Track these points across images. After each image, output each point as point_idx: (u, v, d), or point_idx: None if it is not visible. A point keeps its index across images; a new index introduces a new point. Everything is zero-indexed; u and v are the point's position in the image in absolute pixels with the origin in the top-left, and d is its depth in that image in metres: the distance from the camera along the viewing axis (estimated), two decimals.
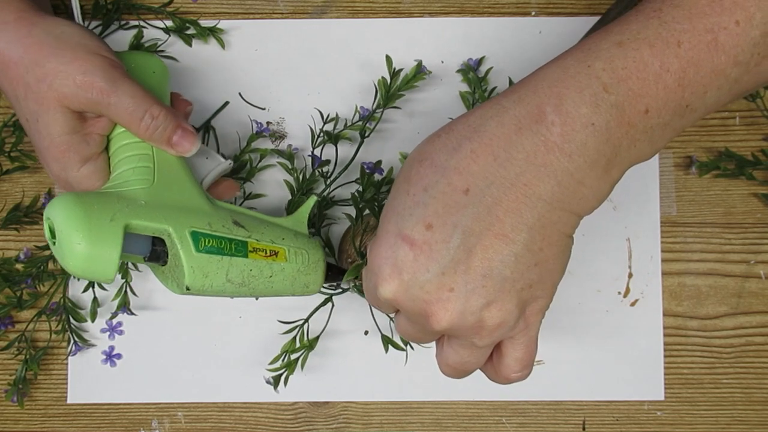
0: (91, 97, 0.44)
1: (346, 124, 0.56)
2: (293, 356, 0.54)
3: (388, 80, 0.55)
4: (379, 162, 0.56)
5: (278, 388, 0.54)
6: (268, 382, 0.55)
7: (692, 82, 0.37)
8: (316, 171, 0.56)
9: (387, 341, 0.55)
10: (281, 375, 0.54)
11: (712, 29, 0.37)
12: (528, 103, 0.37)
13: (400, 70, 0.55)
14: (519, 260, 0.37)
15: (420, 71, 0.55)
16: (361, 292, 0.54)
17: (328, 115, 0.57)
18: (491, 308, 0.38)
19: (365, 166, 0.55)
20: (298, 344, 0.54)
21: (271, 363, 0.55)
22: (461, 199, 0.37)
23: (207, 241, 0.44)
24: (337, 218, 0.57)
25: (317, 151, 0.56)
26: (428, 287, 0.38)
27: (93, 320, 0.57)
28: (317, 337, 0.55)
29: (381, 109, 0.56)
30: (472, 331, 0.39)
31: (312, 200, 0.51)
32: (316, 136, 0.56)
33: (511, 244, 0.37)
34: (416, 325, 0.41)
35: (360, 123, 0.55)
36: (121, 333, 0.58)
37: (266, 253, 0.46)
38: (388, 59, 0.55)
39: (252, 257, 0.46)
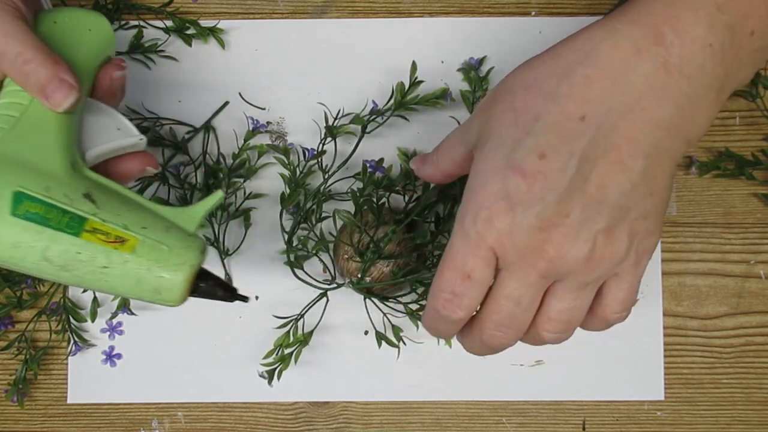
0: None
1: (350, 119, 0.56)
2: (287, 351, 0.54)
3: (407, 86, 0.55)
4: (381, 160, 0.56)
5: (273, 384, 0.54)
6: (261, 376, 0.54)
7: None
8: (316, 165, 0.56)
9: (380, 337, 0.55)
10: (275, 369, 0.54)
11: None
12: (644, 24, 0.36)
13: (421, 82, 0.55)
14: (635, 188, 0.36)
15: (446, 95, 0.56)
16: (353, 284, 0.54)
17: (339, 111, 0.57)
18: (605, 236, 0.37)
19: (368, 165, 0.55)
20: (291, 339, 0.54)
21: (264, 357, 0.55)
22: (577, 127, 0.36)
23: (31, 206, 0.38)
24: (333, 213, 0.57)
25: (326, 148, 0.56)
26: (544, 215, 0.36)
27: (93, 320, 0.57)
28: (311, 332, 0.55)
29: (389, 113, 0.56)
30: (582, 263, 0.37)
31: (216, 195, 0.44)
32: (322, 133, 0.56)
33: (628, 172, 0.36)
34: (519, 272, 0.38)
35: (365, 117, 0.55)
36: (121, 333, 0.58)
37: (108, 237, 0.39)
38: (413, 65, 0.55)
39: (85, 238, 0.39)
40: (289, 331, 0.55)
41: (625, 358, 0.57)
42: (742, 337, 0.57)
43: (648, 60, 0.36)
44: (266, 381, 0.54)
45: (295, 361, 0.55)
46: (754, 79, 0.57)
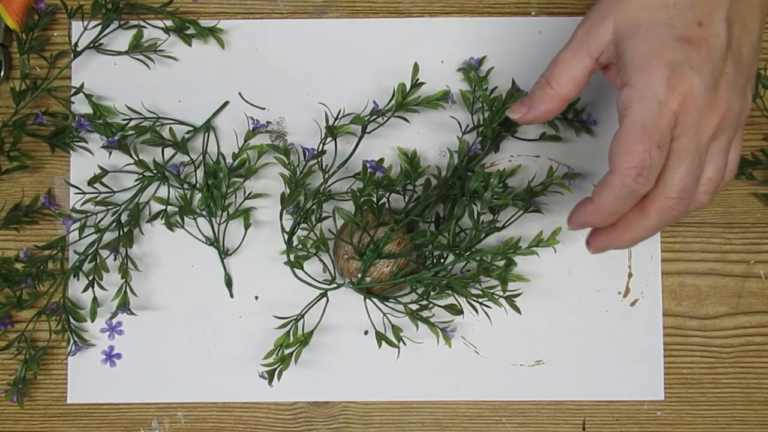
0: None
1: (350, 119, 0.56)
2: (287, 351, 0.54)
3: (408, 87, 0.55)
4: (381, 160, 0.56)
5: (274, 384, 0.54)
6: (262, 376, 0.54)
7: None
8: (316, 164, 0.56)
9: (380, 337, 0.55)
10: (275, 370, 0.54)
11: None
12: None
13: (422, 83, 0.55)
14: (755, 47, 0.44)
15: (447, 97, 0.56)
16: (353, 284, 0.54)
17: (339, 111, 0.57)
18: (744, 91, 0.43)
19: (368, 165, 0.54)
20: (291, 339, 0.54)
21: (265, 357, 0.55)
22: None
23: None
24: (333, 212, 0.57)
25: (326, 148, 0.56)
26: (713, 74, 0.41)
27: (93, 320, 0.57)
28: (311, 332, 0.55)
29: (390, 114, 0.56)
30: (736, 117, 0.43)
31: None
32: (322, 133, 0.56)
33: (751, 34, 0.43)
34: (697, 133, 0.42)
35: (365, 117, 0.55)
36: (121, 333, 0.58)
37: None
38: (416, 67, 0.55)
39: None
40: (289, 332, 0.55)
41: (625, 358, 0.57)
42: (742, 337, 0.57)
43: None
44: (266, 381, 0.54)
45: (295, 362, 0.55)
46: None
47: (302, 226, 0.55)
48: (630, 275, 0.57)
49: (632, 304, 0.57)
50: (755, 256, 0.57)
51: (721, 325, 0.57)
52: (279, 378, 0.54)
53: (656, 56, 0.42)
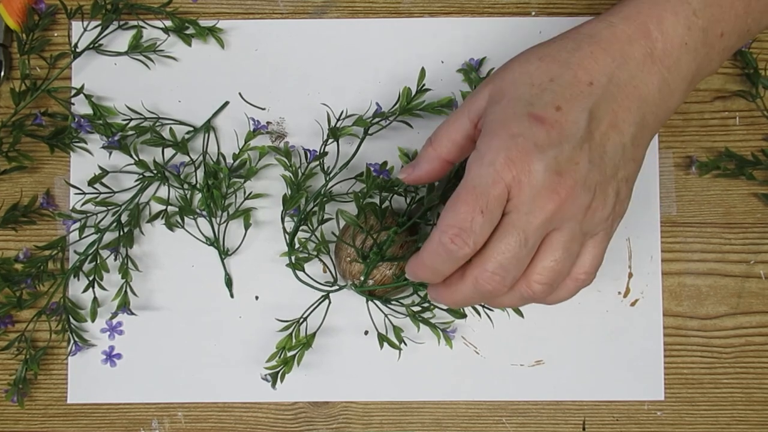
0: None
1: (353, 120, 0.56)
2: (290, 353, 0.54)
3: (413, 91, 0.55)
4: (385, 163, 0.56)
5: (276, 386, 0.54)
6: (265, 378, 0.54)
7: (754, 10, 0.45)
8: (318, 166, 0.56)
9: (383, 338, 0.55)
10: (278, 372, 0.54)
11: None
12: (634, 21, 0.43)
13: (427, 90, 0.55)
14: (625, 151, 0.42)
15: (452, 105, 0.56)
16: (356, 287, 0.54)
17: (342, 112, 0.56)
18: (601, 189, 0.42)
19: (372, 169, 0.54)
20: (294, 341, 0.54)
21: (268, 360, 0.55)
22: (586, 89, 0.42)
23: None
24: (335, 214, 0.57)
25: (328, 149, 0.56)
26: (560, 159, 0.40)
27: (93, 320, 0.57)
28: (313, 334, 0.55)
29: (393, 118, 0.56)
30: (582, 212, 0.41)
31: None
32: (324, 133, 0.56)
33: (621, 135, 0.42)
34: (529, 214, 0.40)
35: (368, 119, 0.55)
36: (121, 333, 0.58)
37: None
38: (422, 72, 0.55)
39: None
40: (291, 334, 0.55)
41: (625, 358, 0.57)
42: (742, 337, 0.57)
43: (638, 48, 0.43)
44: (269, 383, 0.54)
45: (298, 364, 0.55)
46: (754, 80, 0.57)
47: (302, 227, 0.55)
48: (630, 275, 0.57)
49: (632, 304, 0.57)
50: (755, 256, 0.57)
51: (721, 325, 0.57)
52: (281, 380, 0.54)
53: (504, 125, 0.41)
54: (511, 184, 0.40)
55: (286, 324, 0.55)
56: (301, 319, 0.55)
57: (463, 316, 0.55)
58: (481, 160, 0.41)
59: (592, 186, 0.41)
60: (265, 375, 0.54)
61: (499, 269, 0.41)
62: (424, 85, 0.55)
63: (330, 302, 0.55)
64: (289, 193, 0.55)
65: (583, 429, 0.57)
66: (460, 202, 0.41)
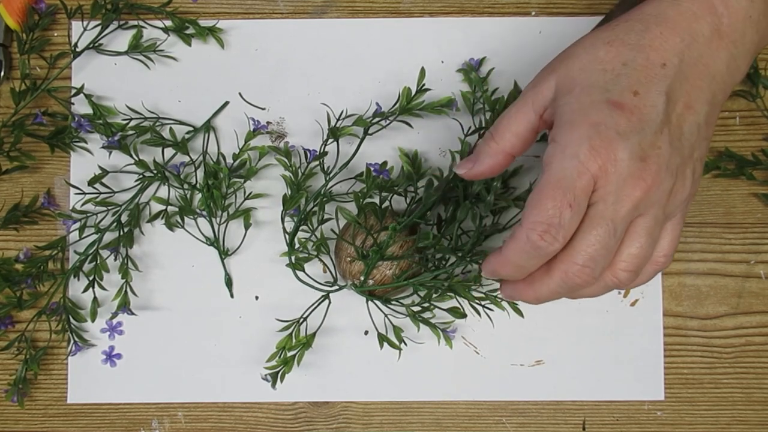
0: None
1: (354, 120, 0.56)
2: (290, 353, 0.54)
3: (413, 91, 0.55)
4: (385, 163, 0.56)
5: (276, 386, 0.54)
6: (265, 378, 0.54)
7: None
8: (318, 166, 0.56)
9: (382, 338, 0.55)
10: (278, 372, 0.54)
11: None
12: None
13: (427, 89, 0.55)
14: (700, 130, 0.42)
15: (452, 105, 0.56)
16: (356, 287, 0.54)
17: (342, 112, 0.56)
18: (681, 172, 0.41)
19: (372, 169, 0.54)
20: (294, 341, 0.54)
21: (268, 360, 0.55)
22: (659, 72, 0.41)
23: None
24: (334, 214, 0.57)
25: (327, 149, 0.56)
26: (643, 145, 0.40)
27: (93, 320, 0.57)
28: (313, 334, 0.55)
29: (393, 117, 0.56)
30: (665, 196, 0.41)
31: None
32: (324, 133, 0.56)
33: (695, 115, 0.42)
34: (617, 202, 0.40)
35: (368, 119, 0.55)
36: (121, 333, 0.58)
37: None
38: (422, 71, 0.55)
39: None
40: (291, 334, 0.55)
41: (625, 358, 0.57)
42: (742, 337, 0.57)
43: (705, 25, 0.42)
44: (269, 383, 0.54)
45: (298, 364, 0.55)
46: (754, 79, 0.57)
47: (302, 228, 0.55)
48: None
49: (632, 304, 0.57)
50: (755, 256, 0.57)
51: (721, 326, 0.57)
52: (281, 380, 0.54)
53: (583, 115, 0.40)
54: (597, 174, 0.39)
55: (286, 324, 0.55)
56: (301, 319, 0.55)
57: (463, 315, 0.55)
58: (563, 153, 0.40)
59: (674, 169, 0.41)
60: (265, 375, 0.54)
61: (590, 261, 0.41)
62: (424, 84, 0.55)
63: (330, 302, 0.55)
64: (289, 193, 0.55)
65: (583, 429, 0.57)
66: (547, 197, 0.40)
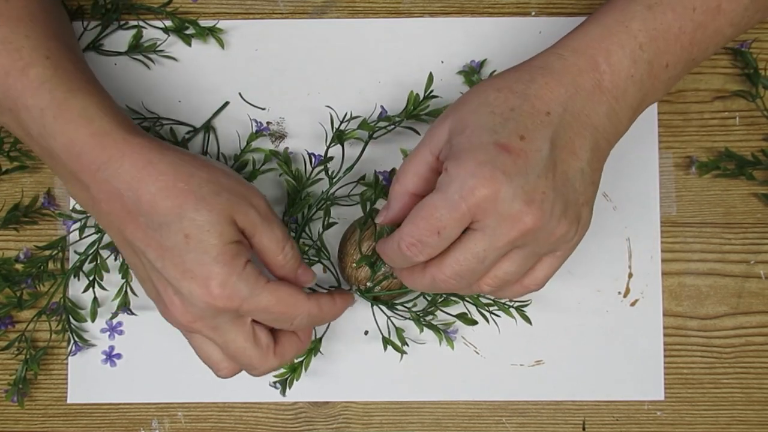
0: (258, 219, 0.46)
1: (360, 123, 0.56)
2: (297, 360, 0.54)
3: (421, 97, 0.55)
4: (393, 170, 0.55)
5: (275, 385, 0.55)
6: (273, 386, 0.55)
7: (699, 41, 0.47)
8: (322, 170, 0.55)
9: (386, 342, 0.55)
10: (287, 380, 0.54)
11: None
12: (584, 54, 0.45)
13: (435, 96, 0.55)
14: (584, 175, 0.44)
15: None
16: (361, 292, 0.54)
17: (346, 115, 0.56)
18: (563, 215, 0.43)
19: (381, 177, 0.54)
20: None
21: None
22: (544, 119, 0.43)
23: None
24: (338, 218, 0.57)
25: (329, 152, 0.56)
26: (526, 189, 0.42)
27: (93, 320, 0.57)
28: (320, 339, 0.55)
29: (399, 122, 0.55)
30: (545, 237, 0.43)
31: None
32: (327, 136, 0.56)
33: (579, 161, 0.44)
34: (493, 236, 0.42)
35: (372, 123, 0.55)
36: (121, 333, 0.58)
37: None
38: (430, 77, 0.55)
39: None
40: None
41: (625, 358, 0.57)
42: (742, 337, 0.57)
43: (588, 79, 0.45)
44: (278, 390, 0.55)
45: (305, 370, 0.55)
46: (754, 80, 0.57)
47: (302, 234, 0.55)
48: (630, 275, 0.57)
49: (632, 304, 0.57)
50: (755, 256, 0.57)
51: (721, 325, 0.57)
52: (290, 387, 0.54)
53: (471, 153, 0.42)
54: (476, 211, 0.42)
55: None
56: None
57: (474, 322, 0.55)
58: (450, 184, 0.42)
59: (558, 214, 0.43)
60: (274, 383, 0.54)
61: (455, 276, 0.44)
62: (432, 91, 0.55)
63: None
64: (289, 199, 0.55)
65: (583, 429, 0.57)
66: (421, 217, 0.43)
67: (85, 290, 0.56)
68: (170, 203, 0.44)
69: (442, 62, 0.58)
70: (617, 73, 0.45)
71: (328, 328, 0.56)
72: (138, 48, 0.57)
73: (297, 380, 0.55)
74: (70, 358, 0.57)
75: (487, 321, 0.55)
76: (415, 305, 0.55)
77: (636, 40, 0.45)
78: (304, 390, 0.57)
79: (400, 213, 0.48)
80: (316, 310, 0.48)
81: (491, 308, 0.55)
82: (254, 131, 0.57)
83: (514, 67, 0.47)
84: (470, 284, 0.45)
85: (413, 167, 0.47)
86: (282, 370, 0.55)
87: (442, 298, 0.54)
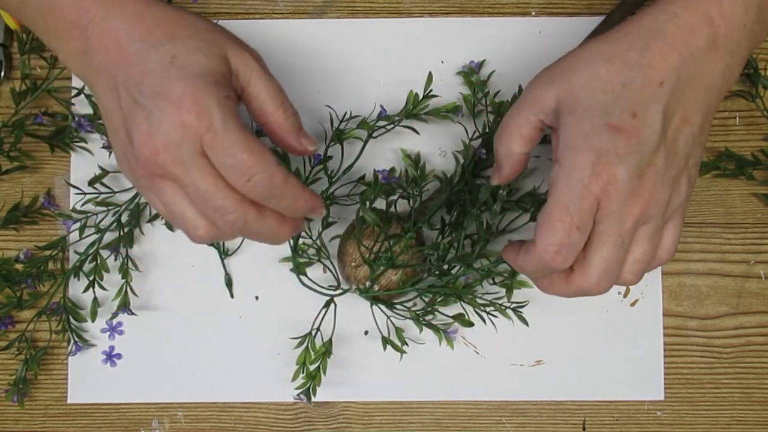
0: (254, 65, 0.45)
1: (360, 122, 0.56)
2: (312, 367, 0.54)
3: (420, 96, 0.55)
4: (393, 170, 0.55)
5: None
6: (298, 398, 0.54)
7: None
8: (321, 170, 0.56)
9: (386, 341, 0.55)
10: (309, 387, 0.54)
11: None
12: (696, 9, 0.43)
13: (435, 96, 0.56)
14: (695, 140, 0.44)
15: (457, 112, 0.56)
16: (361, 292, 0.54)
17: (345, 114, 0.56)
18: (676, 181, 0.43)
19: (381, 176, 0.54)
20: (313, 355, 0.54)
21: (293, 379, 0.55)
22: (657, 91, 0.42)
23: None
24: (337, 217, 0.57)
25: (329, 151, 0.56)
26: (640, 165, 0.42)
27: (93, 320, 0.57)
28: (330, 340, 0.55)
29: (398, 122, 0.56)
30: (663, 205, 0.43)
31: None
32: (327, 136, 0.56)
33: (691, 126, 0.43)
34: (619, 219, 0.42)
35: (372, 122, 0.55)
36: (121, 333, 0.58)
37: None
38: (429, 76, 0.56)
39: None
40: (307, 347, 0.54)
41: (625, 358, 0.57)
42: (742, 337, 0.57)
43: (702, 38, 0.43)
44: (303, 400, 0.55)
45: (324, 373, 0.55)
46: (754, 80, 0.57)
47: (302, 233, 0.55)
48: None
49: (632, 304, 0.57)
50: (755, 256, 0.57)
51: (721, 326, 0.57)
52: (314, 394, 0.54)
53: (586, 140, 0.42)
54: (599, 196, 0.42)
55: (300, 338, 0.55)
56: (315, 331, 0.55)
57: (470, 324, 0.55)
58: (568, 177, 0.42)
59: (669, 180, 0.43)
60: (298, 395, 0.54)
61: (604, 275, 0.43)
62: (431, 90, 0.55)
63: (336, 308, 0.55)
64: None
65: (583, 429, 0.57)
66: (556, 220, 0.42)
67: (85, 290, 0.56)
68: (164, 30, 0.43)
69: (442, 62, 0.58)
70: (731, 26, 0.44)
71: (334, 330, 0.56)
72: None
73: (319, 386, 0.54)
74: (70, 358, 0.57)
75: (485, 322, 0.55)
76: (414, 305, 0.55)
77: None
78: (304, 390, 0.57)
79: (511, 172, 0.48)
80: (281, 178, 0.43)
81: (488, 309, 0.55)
82: (254, 131, 0.57)
83: (623, 27, 0.45)
84: (617, 278, 0.44)
85: (516, 129, 0.46)
86: (302, 381, 0.54)
87: (441, 297, 0.54)
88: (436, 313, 0.55)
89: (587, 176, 0.41)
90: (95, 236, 0.57)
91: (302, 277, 0.55)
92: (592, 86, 0.43)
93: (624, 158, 0.41)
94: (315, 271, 0.57)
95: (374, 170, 0.55)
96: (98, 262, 0.56)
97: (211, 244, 0.57)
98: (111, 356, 0.58)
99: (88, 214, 0.57)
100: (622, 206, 0.42)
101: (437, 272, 0.54)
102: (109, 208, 0.57)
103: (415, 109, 0.55)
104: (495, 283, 0.55)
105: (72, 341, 0.57)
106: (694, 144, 0.44)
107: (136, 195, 0.57)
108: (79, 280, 0.57)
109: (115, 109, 0.44)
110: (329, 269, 0.56)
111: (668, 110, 0.43)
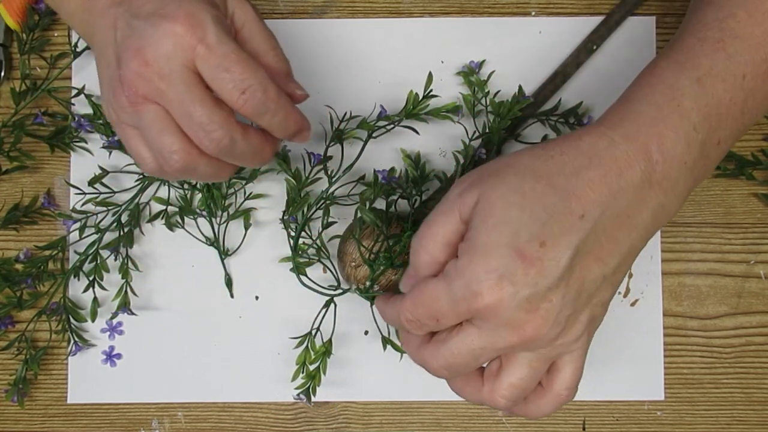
0: (249, 7, 0.44)
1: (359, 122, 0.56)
2: (312, 367, 0.54)
3: (420, 96, 0.55)
4: (393, 170, 0.55)
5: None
6: (298, 398, 0.55)
7: (750, 109, 0.43)
8: (321, 170, 0.56)
9: (386, 341, 0.55)
10: (309, 388, 0.54)
11: (766, 59, 0.42)
12: (635, 141, 0.41)
13: (435, 96, 0.56)
14: (605, 281, 0.41)
15: (458, 111, 0.56)
16: (361, 292, 0.54)
17: (345, 114, 0.56)
18: (573, 320, 0.41)
19: (380, 176, 0.54)
20: (313, 355, 0.54)
21: (293, 379, 0.55)
22: (576, 223, 0.40)
23: None
24: (337, 217, 0.57)
25: (329, 151, 0.56)
26: (532, 299, 0.39)
27: (93, 320, 0.57)
28: (330, 340, 0.55)
29: (398, 122, 0.56)
30: (550, 342, 0.41)
31: None
32: (327, 136, 0.56)
33: (604, 267, 0.40)
34: (491, 337, 0.40)
35: (371, 122, 0.55)
36: (121, 333, 0.58)
37: None
38: (430, 76, 0.56)
39: None
40: (307, 347, 0.55)
41: (625, 358, 0.57)
42: (742, 337, 0.57)
43: (637, 173, 0.40)
44: (303, 401, 0.55)
45: (324, 373, 0.55)
46: None
47: (302, 234, 0.55)
48: (630, 275, 0.57)
49: (632, 304, 0.57)
50: (755, 256, 0.57)
51: (721, 325, 0.57)
52: (314, 394, 0.54)
53: (486, 255, 0.39)
54: (476, 314, 0.40)
55: (299, 338, 0.55)
56: (315, 331, 0.55)
57: None
58: (455, 279, 0.40)
59: (563, 320, 0.40)
60: (298, 395, 0.54)
61: (447, 367, 0.42)
62: (431, 90, 0.55)
63: (336, 308, 0.55)
64: (289, 197, 0.55)
65: (583, 429, 0.57)
66: (422, 303, 0.41)
67: (85, 290, 0.56)
68: None
69: (442, 62, 0.58)
70: (670, 162, 0.41)
71: (334, 330, 0.56)
72: None
73: (319, 386, 0.54)
74: (70, 358, 0.57)
75: None
76: None
77: (690, 121, 0.41)
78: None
79: (427, 264, 0.44)
80: (275, 91, 0.42)
81: None
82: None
83: (564, 142, 0.42)
84: (468, 370, 0.42)
85: (441, 237, 0.42)
86: (301, 381, 0.54)
87: None
88: None
89: (471, 292, 0.39)
90: (95, 236, 0.57)
91: (302, 277, 0.55)
92: (512, 200, 0.40)
93: (517, 287, 0.39)
94: (315, 271, 0.57)
95: (374, 170, 0.55)
96: (98, 262, 0.56)
97: (211, 244, 0.57)
98: (111, 356, 0.58)
99: (88, 214, 0.57)
100: (498, 328, 0.40)
101: None
102: (109, 208, 0.57)
103: (415, 109, 0.55)
104: None
105: (72, 341, 0.57)
106: (603, 285, 0.41)
107: (137, 195, 0.57)
108: (79, 280, 0.57)
109: (110, 43, 0.42)
110: (329, 269, 0.56)
111: (582, 246, 0.39)
